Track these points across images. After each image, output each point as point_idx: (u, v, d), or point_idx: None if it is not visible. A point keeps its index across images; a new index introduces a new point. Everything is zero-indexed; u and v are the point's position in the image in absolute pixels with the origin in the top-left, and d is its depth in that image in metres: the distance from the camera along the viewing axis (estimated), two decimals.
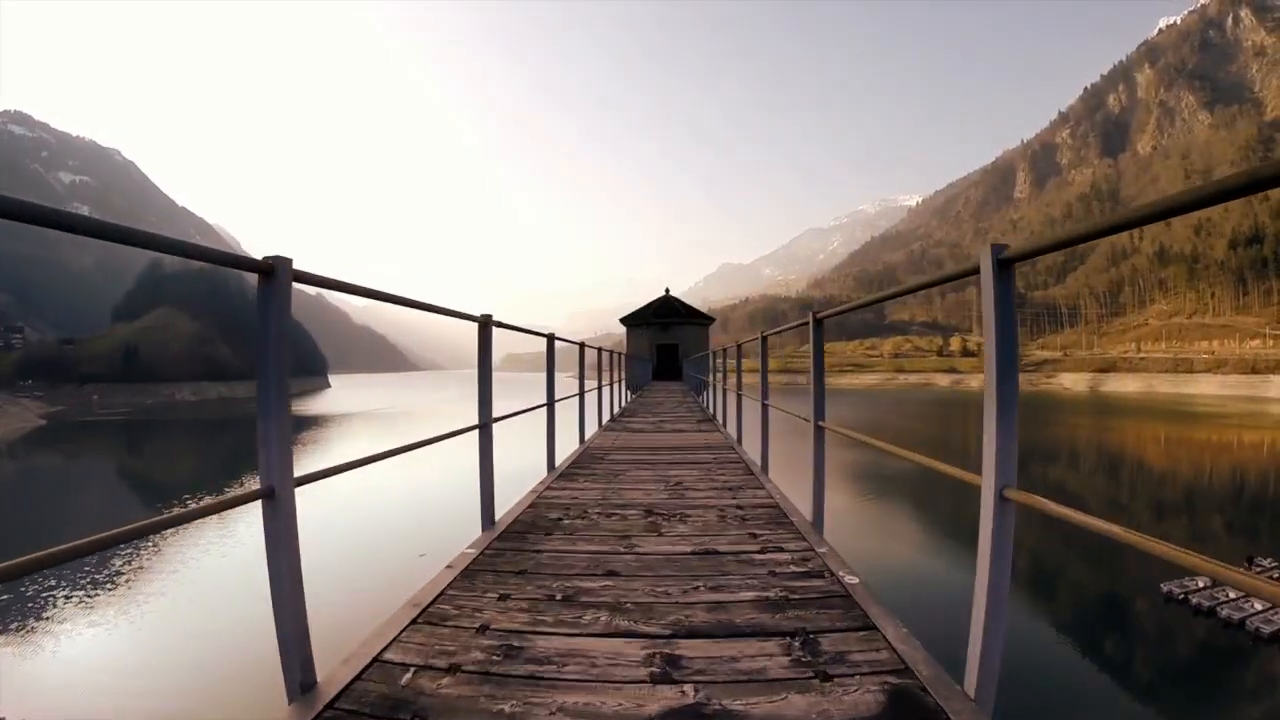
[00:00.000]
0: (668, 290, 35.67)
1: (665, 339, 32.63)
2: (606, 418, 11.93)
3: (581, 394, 8.39)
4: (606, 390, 12.51)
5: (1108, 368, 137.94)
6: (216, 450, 59.58)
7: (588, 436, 8.89)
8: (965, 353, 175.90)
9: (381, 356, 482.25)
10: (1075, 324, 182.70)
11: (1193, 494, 32.91)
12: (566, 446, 7.57)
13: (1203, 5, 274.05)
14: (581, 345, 8.86)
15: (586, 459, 7.08)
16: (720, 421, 11.22)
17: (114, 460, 53.50)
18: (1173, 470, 39.71)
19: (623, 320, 33.71)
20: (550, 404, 6.38)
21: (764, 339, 6.28)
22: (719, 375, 12.59)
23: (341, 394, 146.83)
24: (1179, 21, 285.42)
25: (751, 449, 7.44)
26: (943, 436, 64.99)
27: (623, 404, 15.94)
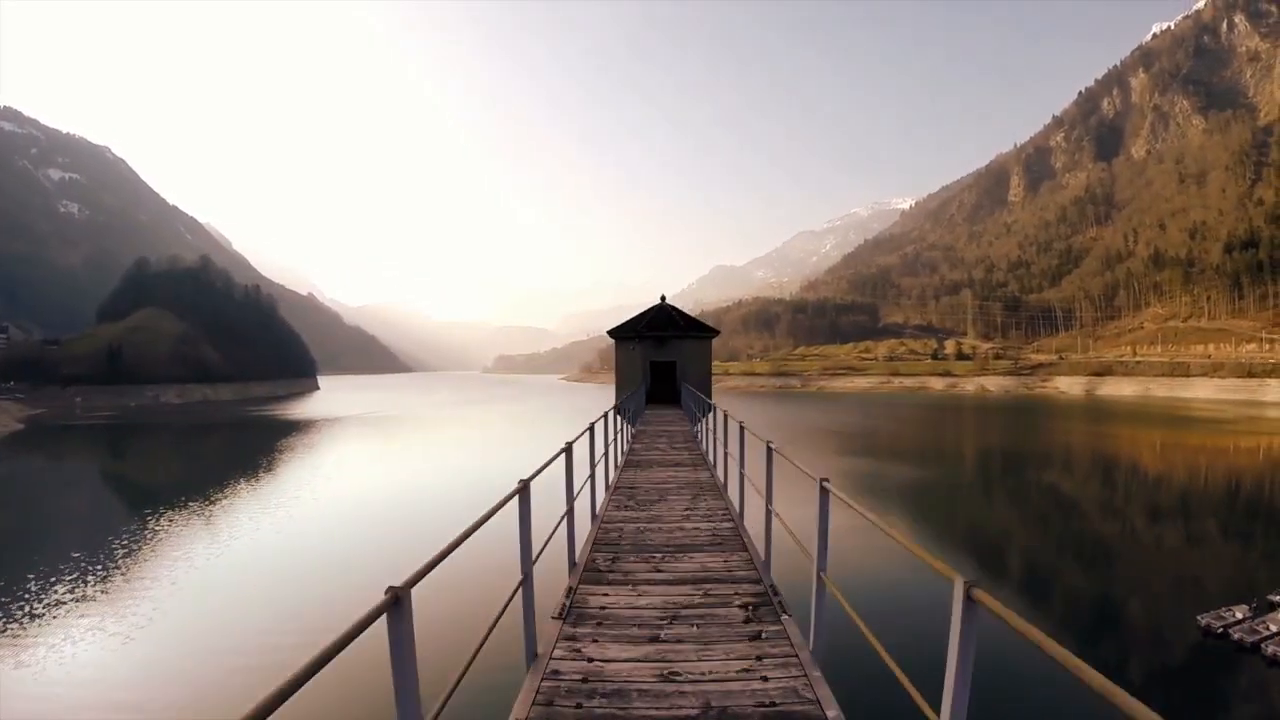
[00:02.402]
0: (663, 298, 30.52)
1: (661, 355, 27.80)
2: (585, 534, 7.59)
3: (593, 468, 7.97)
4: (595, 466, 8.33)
5: (1103, 371, 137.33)
6: (206, 453, 57.97)
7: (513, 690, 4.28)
8: (960, 356, 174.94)
9: (372, 357, 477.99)
10: (1070, 327, 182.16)
11: (1188, 499, 32.00)
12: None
13: (1197, 10, 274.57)
14: (591, 428, 8.24)
15: None
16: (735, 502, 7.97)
17: (90, 470, 51.89)
18: (1168, 476, 38.84)
19: (611, 333, 28.55)
20: (570, 510, 6.24)
21: (770, 451, 6.05)
22: (722, 423, 10.45)
23: (330, 396, 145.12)
24: (1173, 26, 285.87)
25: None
26: (935, 438, 64.06)
27: (615, 460, 12.10)
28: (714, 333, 28.82)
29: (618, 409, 18.02)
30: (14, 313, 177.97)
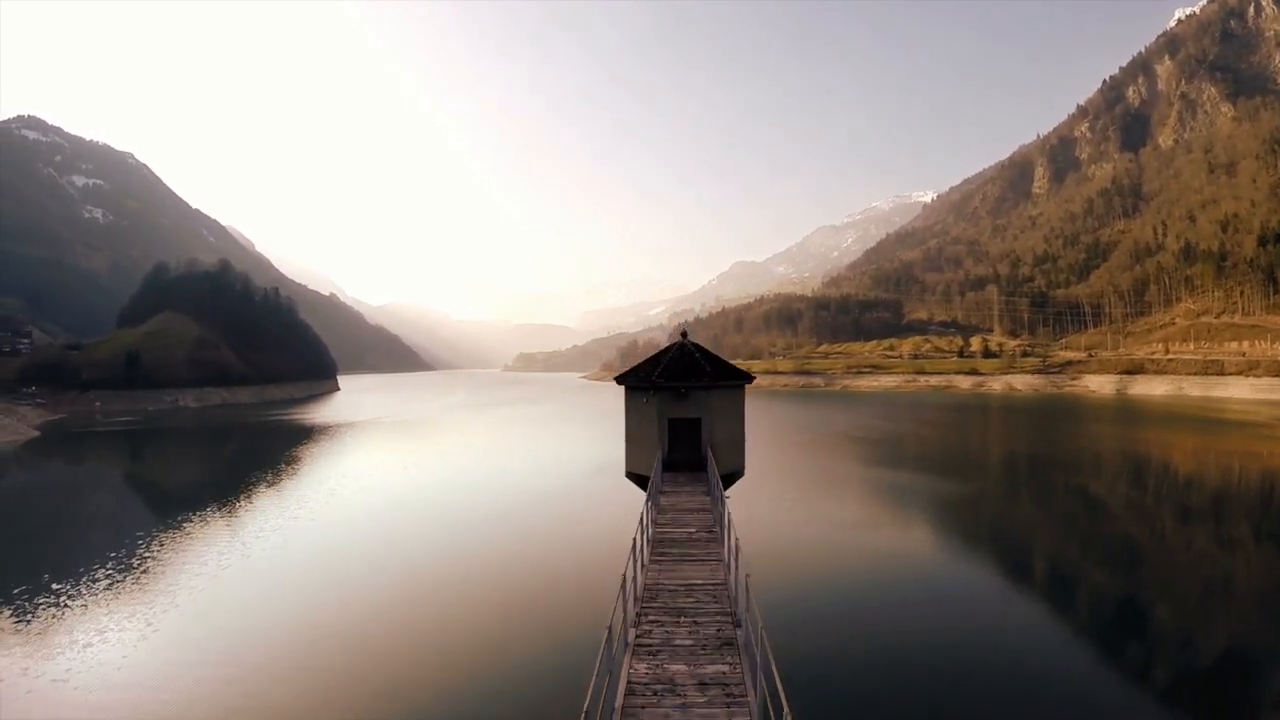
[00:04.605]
0: (685, 335, 23.64)
1: (681, 411, 21.35)
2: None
3: None
4: None
5: (1134, 369, 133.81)
6: (221, 458, 57.44)
7: None
8: (986, 353, 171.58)
9: (395, 356, 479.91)
10: (1099, 323, 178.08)
11: (1245, 522, 30.62)
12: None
13: None
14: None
15: None
16: None
17: (103, 483, 51.62)
18: (1204, 485, 37.73)
19: (620, 380, 22.50)
20: None
21: None
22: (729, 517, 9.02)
23: (349, 399, 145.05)
24: (1198, 11, 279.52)
25: None
26: (963, 446, 62.30)
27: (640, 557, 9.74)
28: (747, 378, 23.10)
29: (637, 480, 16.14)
30: (39, 317, 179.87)
